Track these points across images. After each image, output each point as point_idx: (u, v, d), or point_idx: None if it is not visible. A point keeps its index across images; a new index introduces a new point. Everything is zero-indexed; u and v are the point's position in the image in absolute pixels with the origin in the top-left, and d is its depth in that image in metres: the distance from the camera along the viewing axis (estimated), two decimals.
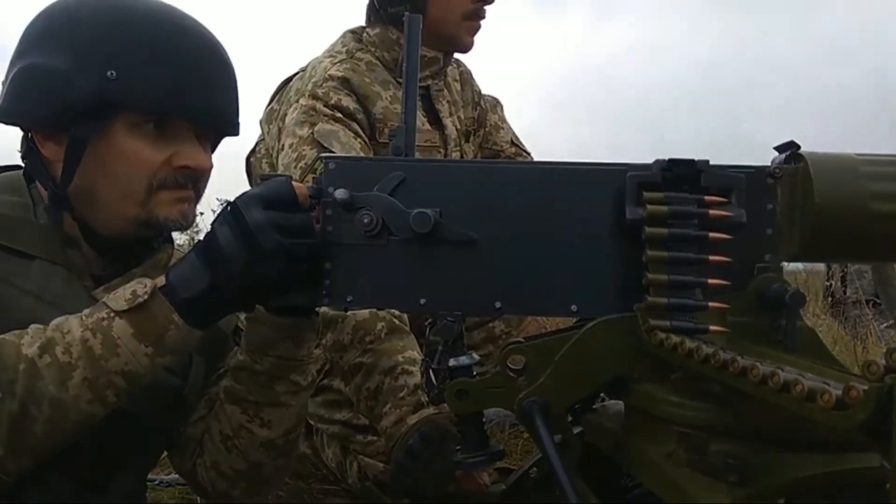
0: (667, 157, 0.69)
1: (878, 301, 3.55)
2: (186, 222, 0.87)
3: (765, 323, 0.67)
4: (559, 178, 0.73)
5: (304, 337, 0.84)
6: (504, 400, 0.71)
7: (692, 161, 0.69)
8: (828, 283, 4.51)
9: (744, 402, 0.58)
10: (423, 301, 0.74)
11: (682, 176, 0.69)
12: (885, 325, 2.99)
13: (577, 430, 0.79)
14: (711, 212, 0.68)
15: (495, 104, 1.62)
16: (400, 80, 1.36)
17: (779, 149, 0.73)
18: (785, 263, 0.72)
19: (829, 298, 4.25)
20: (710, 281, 0.67)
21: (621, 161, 0.72)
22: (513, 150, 1.58)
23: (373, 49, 1.39)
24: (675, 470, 0.62)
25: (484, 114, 1.57)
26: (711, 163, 0.70)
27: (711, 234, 0.68)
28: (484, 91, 1.63)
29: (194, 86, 0.84)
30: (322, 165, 0.74)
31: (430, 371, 0.74)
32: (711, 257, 0.67)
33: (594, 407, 0.83)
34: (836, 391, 0.44)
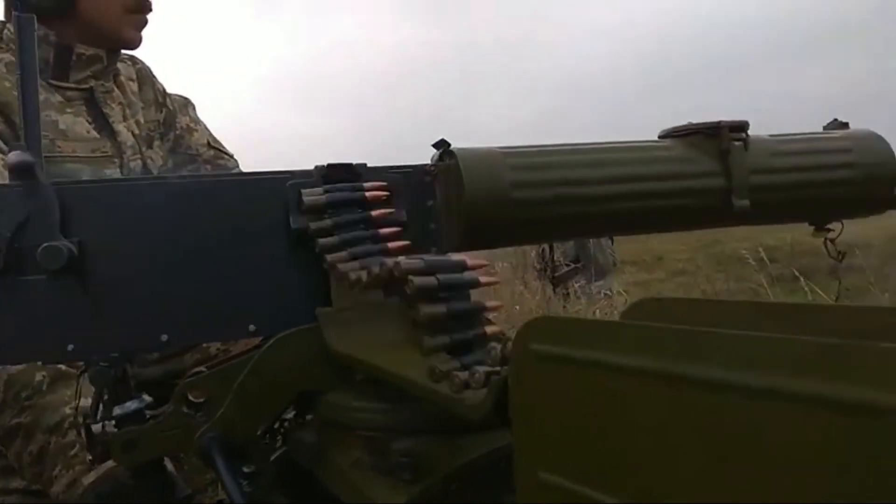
0: (326, 164, 0.68)
1: (579, 262, 4.11)
2: None
3: None
4: (221, 191, 0.68)
5: None
6: (181, 442, 0.65)
7: (350, 165, 0.69)
8: (540, 249, 5.11)
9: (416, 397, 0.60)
10: (70, 347, 0.64)
11: (341, 180, 0.68)
12: (579, 283, 3.47)
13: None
14: (374, 213, 0.69)
15: (185, 104, 1.49)
16: (51, 81, 1.18)
17: (434, 146, 0.76)
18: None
19: (542, 263, 4.81)
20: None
21: (285, 169, 0.69)
22: (211, 152, 1.47)
23: (14, 47, 1.18)
24: (360, 476, 0.62)
25: (172, 115, 1.44)
26: (374, 165, 0.71)
27: (382, 233, 0.69)
28: (178, 91, 1.49)
29: None
30: None
31: (88, 427, 0.65)
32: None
33: (299, 423, 0.80)
34: (461, 382, 0.46)
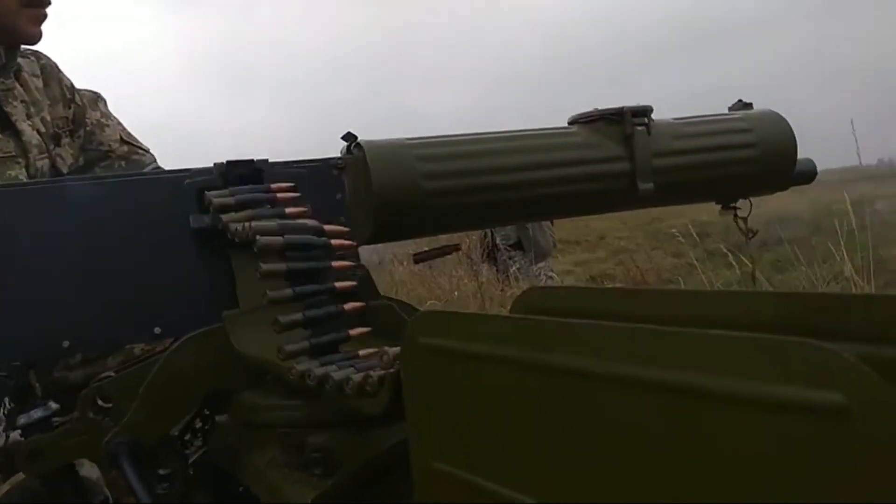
0: (224, 161, 0.67)
1: (521, 245, 4.16)
2: None
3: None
4: (119, 193, 0.66)
5: None
6: (88, 448, 0.64)
7: (251, 161, 0.68)
8: (484, 234, 5.16)
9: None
10: None
11: (243, 176, 0.67)
12: (518, 265, 3.52)
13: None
14: (288, 210, 0.68)
15: (96, 99, 1.43)
16: None
17: (343, 138, 0.76)
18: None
19: (486, 248, 4.86)
20: (338, 285, 0.67)
21: (181, 168, 0.68)
22: (124, 148, 1.42)
23: None
24: (275, 473, 0.62)
25: (82, 111, 1.38)
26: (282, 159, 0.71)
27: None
28: (89, 87, 1.43)
29: None
30: None
31: None
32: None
33: (216, 424, 0.80)
34: (357, 380, 0.47)
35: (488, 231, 4.71)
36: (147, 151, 1.45)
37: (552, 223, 4.07)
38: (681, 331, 0.28)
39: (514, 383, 0.37)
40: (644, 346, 0.29)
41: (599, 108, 0.85)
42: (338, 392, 0.48)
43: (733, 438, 0.26)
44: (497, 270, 3.96)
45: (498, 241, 4.02)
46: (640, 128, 0.82)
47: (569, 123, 0.86)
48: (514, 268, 3.52)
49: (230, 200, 0.66)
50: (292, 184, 0.70)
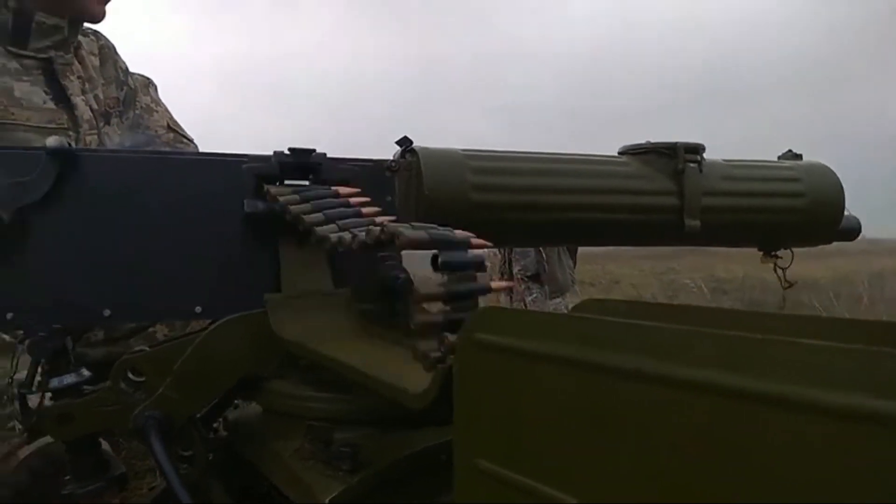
0: (286, 149, 0.68)
1: (540, 276, 4.15)
2: None
3: (387, 308, 0.70)
4: (173, 169, 0.67)
5: None
6: (117, 419, 0.63)
7: (310, 151, 0.68)
8: (502, 261, 5.16)
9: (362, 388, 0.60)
10: (9, 316, 0.62)
11: (301, 167, 0.68)
12: (531, 297, 3.50)
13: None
14: (353, 200, 0.67)
15: (147, 84, 1.47)
16: (10, 48, 1.15)
17: (398, 143, 0.77)
18: None
19: (502, 275, 4.85)
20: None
21: (239, 152, 0.69)
22: (170, 135, 1.45)
23: None
24: (300, 464, 0.62)
25: (133, 94, 1.41)
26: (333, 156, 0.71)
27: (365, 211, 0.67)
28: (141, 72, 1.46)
29: None
30: None
31: (24, 397, 0.63)
32: None
33: (237, 408, 0.79)
34: (411, 373, 0.47)
35: (506, 258, 4.71)
36: (191, 141, 1.47)
37: (574, 261, 4.06)
38: (765, 339, 0.27)
39: (572, 383, 0.36)
40: (724, 353, 0.28)
41: (651, 140, 0.85)
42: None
43: (813, 448, 0.25)
44: (511, 300, 3.94)
45: (515, 271, 4.01)
46: (691, 164, 0.82)
47: (619, 153, 0.87)
48: (529, 298, 3.50)
49: (294, 198, 0.66)
50: (357, 189, 0.69)
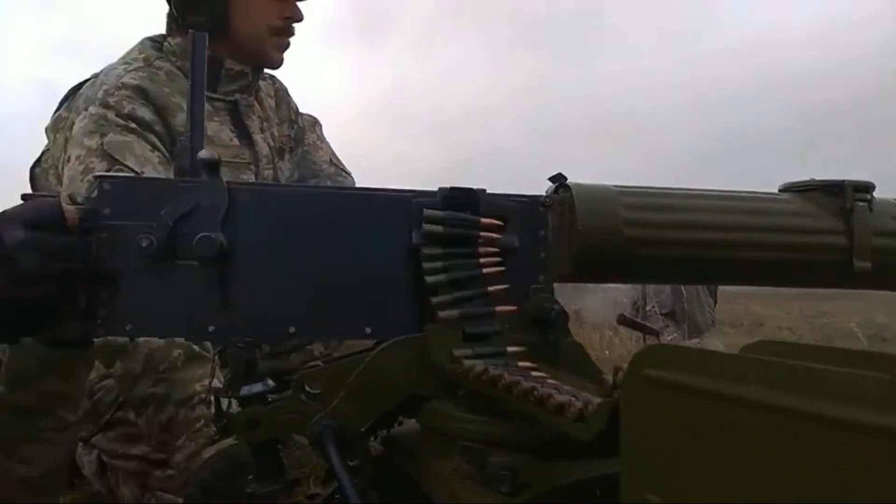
0: (449, 186, 0.73)
1: (675, 314, 4.00)
2: None
3: (537, 340, 0.73)
4: (354, 204, 0.74)
5: (74, 371, 0.78)
6: (298, 426, 0.70)
7: (471, 189, 0.73)
8: (636, 298, 5.01)
9: (519, 415, 0.63)
10: (211, 329, 0.71)
11: (462, 202, 0.73)
12: (672, 337, 3.38)
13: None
14: (483, 233, 0.73)
15: (314, 123, 1.62)
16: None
17: (551, 179, 0.80)
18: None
19: (636, 312, 4.71)
20: (498, 308, 0.72)
21: (411, 188, 0.75)
22: (332, 169, 1.58)
23: (173, 59, 1.33)
24: (459, 483, 0.65)
25: (301, 132, 1.56)
26: (491, 191, 0.76)
27: (482, 251, 0.73)
28: (308, 111, 1.61)
29: None
30: (95, 186, 0.69)
31: (219, 401, 0.71)
32: (490, 284, 0.72)
33: (396, 426, 0.85)
34: (577, 404, 0.49)
35: (642, 293, 4.57)
36: (349, 174, 1.60)
37: (715, 300, 3.87)
38: None
39: (749, 423, 0.37)
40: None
41: (817, 178, 0.82)
42: (555, 413, 0.50)
43: None
44: (644, 339, 3.82)
45: (650, 307, 3.89)
46: (861, 203, 0.79)
47: (779, 191, 0.84)
48: (669, 338, 3.39)
49: (441, 215, 0.72)
50: (500, 223, 0.74)
